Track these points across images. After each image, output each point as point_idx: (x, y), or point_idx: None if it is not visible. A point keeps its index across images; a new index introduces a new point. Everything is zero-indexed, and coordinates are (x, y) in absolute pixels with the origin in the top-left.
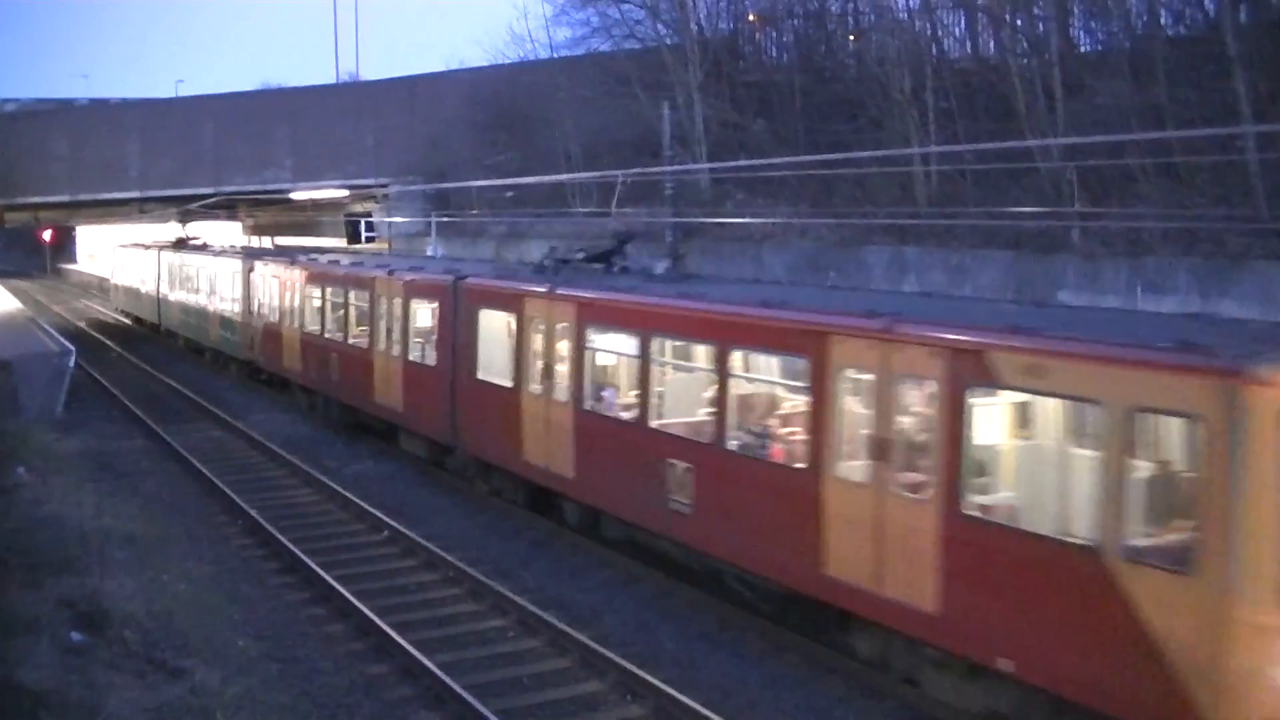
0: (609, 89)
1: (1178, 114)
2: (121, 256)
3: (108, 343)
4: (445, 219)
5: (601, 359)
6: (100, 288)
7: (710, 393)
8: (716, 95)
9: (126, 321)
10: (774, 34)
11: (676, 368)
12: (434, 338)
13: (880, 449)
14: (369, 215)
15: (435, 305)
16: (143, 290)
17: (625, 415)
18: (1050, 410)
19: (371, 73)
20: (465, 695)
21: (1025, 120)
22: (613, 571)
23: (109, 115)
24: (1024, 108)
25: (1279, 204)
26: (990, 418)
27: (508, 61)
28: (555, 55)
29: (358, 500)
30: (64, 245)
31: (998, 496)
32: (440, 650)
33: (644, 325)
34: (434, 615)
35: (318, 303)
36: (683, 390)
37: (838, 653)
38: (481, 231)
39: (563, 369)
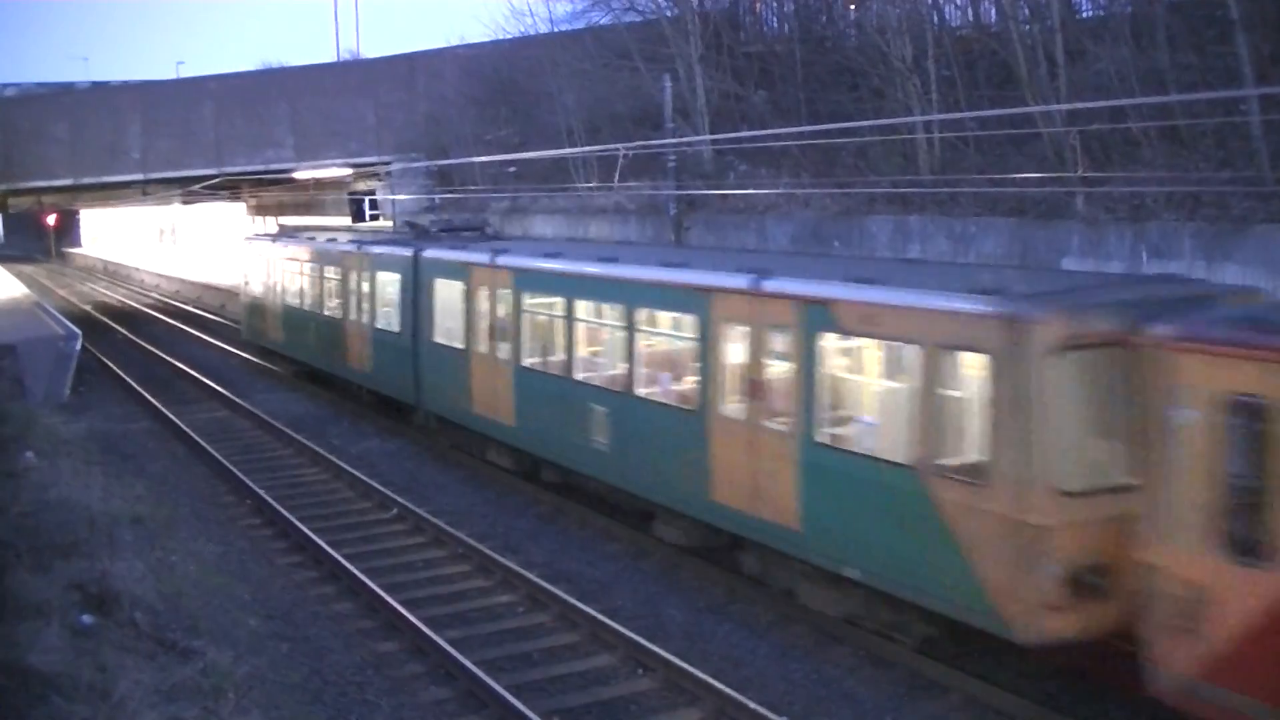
0: (609, 62)
1: (1180, 78)
2: (273, 258)
3: (113, 325)
4: (448, 195)
5: None
6: (105, 271)
7: None
8: (717, 67)
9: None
10: (774, 4)
11: None
12: None
13: None
14: (372, 193)
15: None
16: (352, 323)
17: None
18: None
19: (372, 50)
20: (476, 671)
21: (1027, 87)
22: (620, 545)
23: (109, 98)
24: (1025, 74)
25: None
26: None
27: (508, 37)
28: (555, 29)
29: (365, 478)
30: (68, 229)
31: None
32: (450, 626)
33: None
34: (443, 591)
35: None
36: None
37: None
38: (484, 207)
39: None
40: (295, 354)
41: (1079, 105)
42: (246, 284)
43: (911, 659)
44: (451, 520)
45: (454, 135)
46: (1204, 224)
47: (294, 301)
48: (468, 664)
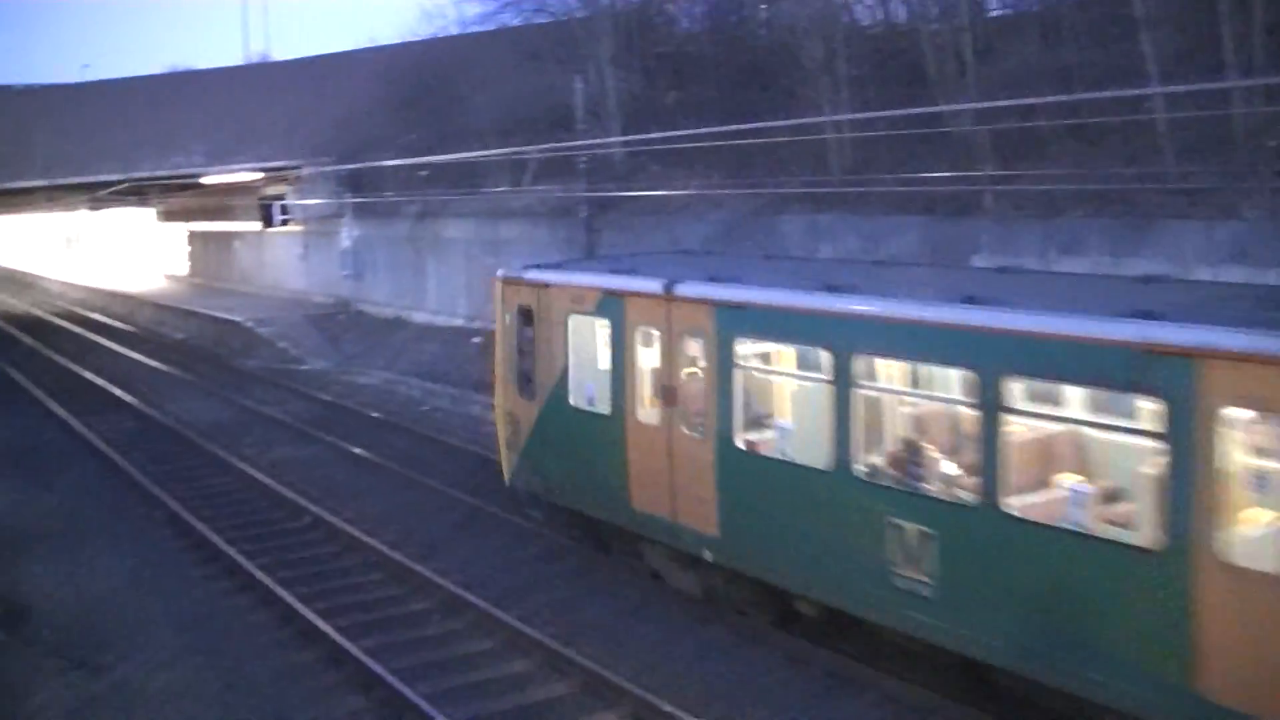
0: (520, 64)
1: (1087, 75)
2: (661, 333)
3: (17, 335)
4: (359, 200)
5: None
6: (9, 279)
7: None
8: (628, 67)
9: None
10: (685, 4)
11: None
12: None
13: None
14: (282, 198)
15: None
16: None
17: None
18: None
19: (282, 53)
20: (391, 680)
21: (937, 85)
22: (537, 549)
23: (12, 102)
24: (935, 73)
25: (1187, 163)
26: None
27: (419, 38)
28: (466, 31)
29: (278, 486)
30: None
31: None
32: (365, 635)
33: None
34: (358, 600)
35: None
36: None
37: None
38: (395, 211)
39: None
40: (766, 570)
41: (988, 104)
42: (525, 372)
43: (831, 658)
44: (366, 528)
45: (365, 138)
46: (1111, 220)
47: (780, 448)
48: (383, 673)
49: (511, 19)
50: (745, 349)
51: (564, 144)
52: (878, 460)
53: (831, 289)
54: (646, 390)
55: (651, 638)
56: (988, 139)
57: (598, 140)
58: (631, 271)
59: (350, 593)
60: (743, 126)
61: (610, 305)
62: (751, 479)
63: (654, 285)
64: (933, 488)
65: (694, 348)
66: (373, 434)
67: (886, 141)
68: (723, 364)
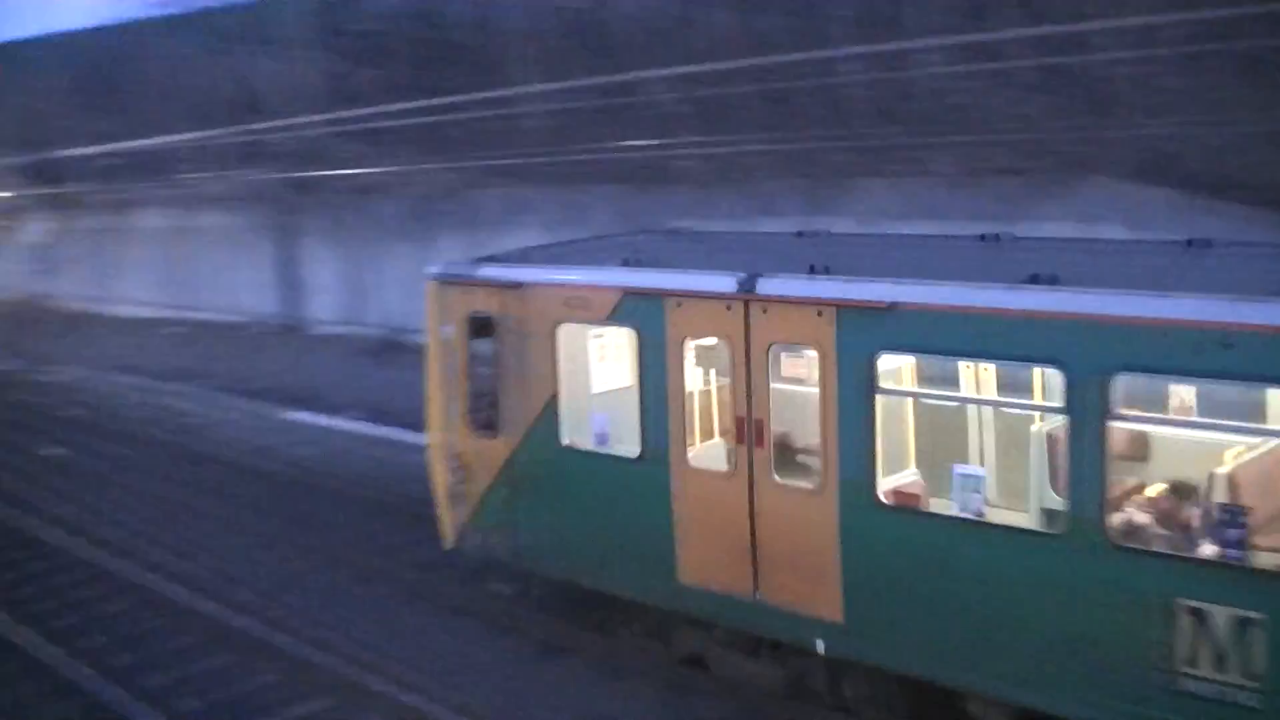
0: (215, 48)
1: (781, 42)
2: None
3: None
4: (48, 192)
5: None
6: None
7: None
8: (326, 47)
9: None
10: None
11: None
12: None
13: None
14: None
15: None
16: None
17: None
18: None
19: None
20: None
21: (634, 56)
22: (246, 537)
23: None
24: (632, 43)
25: (877, 124)
26: None
27: (108, 23)
28: (159, 14)
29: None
30: None
31: None
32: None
33: None
34: (59, 604)
35: None
36: None
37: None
38: (87, 202)
39: None
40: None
41: (679, 70)
42: (481, 402)
43: (540, 628)
44: (67, 530)
45: (54, 128)
46: (806, 180)
47: (962, 502)
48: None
49: (205, 1)
50: (894, 366)
51: (256, 126)
52: (1150, 520)
53: (1041, 281)
54: (704, 425)
55: (362, 620)
56: (685, 107)
57: (288, 121)
58: (656, 263)
59: (50, 597)
60: (436, 102)
61: (639, 310)
62: (906, 545)
63: (720, 282)
64: (1265, 558)
65: (796, 367)
66: (68, 433)
67: (584, 113)
68: (851, 388)
